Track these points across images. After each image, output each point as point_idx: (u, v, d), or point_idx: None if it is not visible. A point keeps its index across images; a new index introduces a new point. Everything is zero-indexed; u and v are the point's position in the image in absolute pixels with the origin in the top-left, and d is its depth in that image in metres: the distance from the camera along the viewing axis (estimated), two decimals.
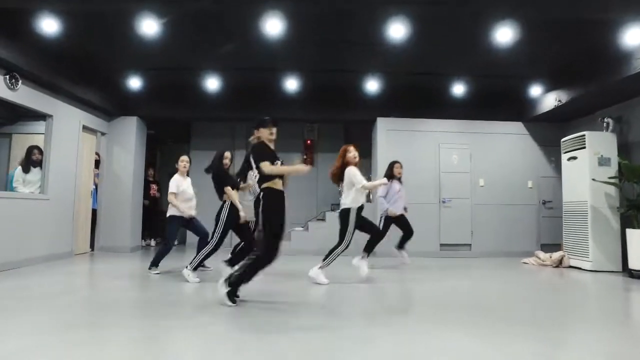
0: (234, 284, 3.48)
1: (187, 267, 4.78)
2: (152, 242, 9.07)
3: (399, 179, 6.25)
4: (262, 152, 3.58)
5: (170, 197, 5.12)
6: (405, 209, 6.22)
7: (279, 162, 3.59)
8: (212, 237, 4.79)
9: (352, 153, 4.96)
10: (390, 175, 6.16)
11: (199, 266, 4.84)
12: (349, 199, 4.81)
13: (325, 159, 8.86)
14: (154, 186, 9.07)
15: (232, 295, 3.50)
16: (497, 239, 7.88)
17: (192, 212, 5.26)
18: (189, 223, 5.29)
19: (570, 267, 6.39)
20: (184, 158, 5.38)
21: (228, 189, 4.79)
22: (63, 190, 6.49)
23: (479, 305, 3.82)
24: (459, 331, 2.92)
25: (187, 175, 5.41)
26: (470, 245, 7.89)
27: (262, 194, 3.55)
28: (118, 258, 6.83)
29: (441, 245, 7.82)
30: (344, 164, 4.93)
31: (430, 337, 2.80)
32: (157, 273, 5.23)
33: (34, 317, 3.10)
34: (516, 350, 2.55)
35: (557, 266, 6.47)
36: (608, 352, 2.57)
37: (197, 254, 4.85)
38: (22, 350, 2.40)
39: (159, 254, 5.28)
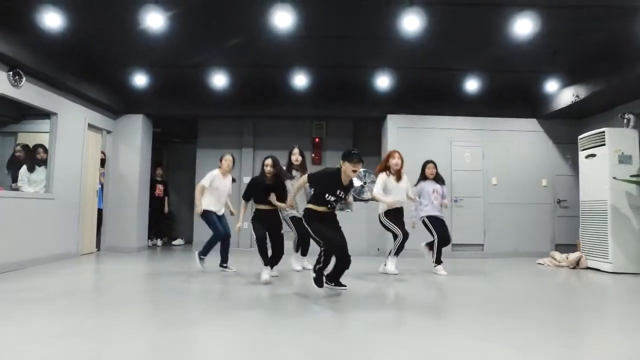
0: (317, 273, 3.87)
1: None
2: (159, 242, 8.97)
3: (434, 179, 5.79)
4: (318, 180, 3.94)
5: (198, 191, 5.12)
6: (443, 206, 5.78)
7: (341, 195, 3.88)
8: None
9: (395, 160, 5.26)
10: (423, 176, 5.82)
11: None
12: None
13: (333, 157, 8.68)
14: (159, 186, 8.96)
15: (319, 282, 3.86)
16: (510, 239, 7.68)
17: (220, 211, 5.28)
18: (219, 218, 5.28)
19: (588, 268, 6.18)
20: (229, 157, 5.31)
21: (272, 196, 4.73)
22: (68, 190, 6.39)
23: (494, 308, 3.64)
24: (472, 335, 2.75)
25: (229, 175, 5.40)
26: (482, 245, 7.70)
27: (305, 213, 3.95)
28: (124, 258, 6.72)
29: (453, 245, 7.61)
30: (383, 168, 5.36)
31: (445, 340, 2.63)
32: (202, 269, 5.27)
33: (35, 320, 2.98)
34: (536, 357, 2.37)
35: (574, 267, 6.26)
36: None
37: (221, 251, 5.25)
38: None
39: (208, 244, 5.27)
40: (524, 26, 4.78)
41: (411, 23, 4.74)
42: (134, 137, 7.82)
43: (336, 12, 4.95)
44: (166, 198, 9.05)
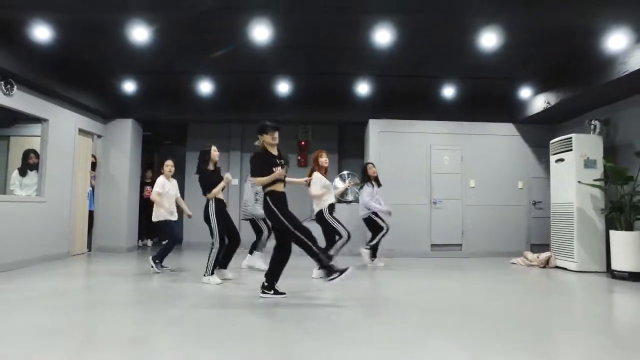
0: (268, 279, 4.08)
1: (204, 275, 4.85)
2: (149, 243, 9.20)
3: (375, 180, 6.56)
4: (255, 165, 4.08)
5: (154, 196, 5.50)
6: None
7: (281, 164, 4.04)
8: (213, 238, 4.86)
9: (323, 158, 5.55)
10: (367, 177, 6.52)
11: (214, 269, 4.88)
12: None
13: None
14: (148, 188, 9.18)
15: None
16: (487, 239, 7.97)
17: (173, 216, 5.63)
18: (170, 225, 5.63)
19: (557, 267, 6.49)
20: (169, 162, 5.73)
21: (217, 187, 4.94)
22: (59, 193, 6.61)
23: (465, 308, 3.92)
24: (443, 338, 2.98)
25: (173, 178, 5.82)
26: (461, 245, 7.99)
27: (266, 197, 4.04)
28: (114, 258, 6.96)
29: (432, 245, 7.92)
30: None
31: (414, 346, 2.76)
32: (158, 272, 5.45)
33: (25, 320, 3.23)
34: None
35: (544, 266, 6.58)
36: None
37: (159, 250, 5.56)
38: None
39: (164, 249, 5.59)
40: (490, 39, 5.08)
41: (389, 34, 5.00)
42: (123, 141, 8.04)
43: (315, 24, 5.18)
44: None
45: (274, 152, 4.13)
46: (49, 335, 2.86)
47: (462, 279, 5.62)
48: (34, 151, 6.33)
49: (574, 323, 3.50)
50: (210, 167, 5.03)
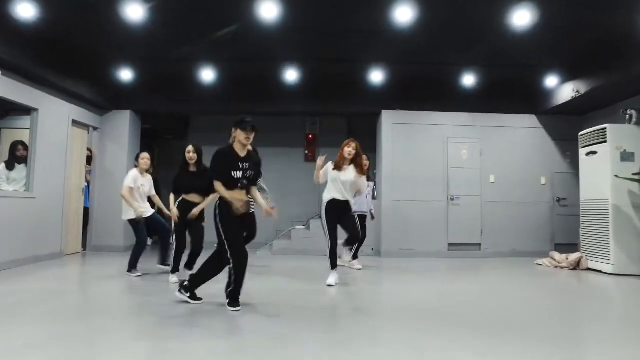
0: (192, 281, 3.60)
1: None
2: (149, 241, 8.74)
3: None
4: (213, 164, 3.43)
5: (124, 192, 4.88)
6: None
7: (244, 170, 3.42)
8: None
9: (348, 148, 4.76)
10: None
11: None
12: None
13: (327, 154, 8.45)
14: None
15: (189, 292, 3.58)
16: (508, 239, 7.48)
17: (145, 213, 5.05)
18: (149, 222, 5.08)
19: (589, 269, 5.98)
20: (145, 155, 5.13)
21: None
22: (51, 188, 6.16)
23: (492, 317, 3.44)
24: (467, 349, 2.55)
25: (148, 173, 5.21)
26: (480, 245, 7.49)
27: (217, 203, 3.46)
28: (110, 258, 6.51)
29: (449, 245, 7.44)
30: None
31: (435, 357, 2.41)
32: (139, 275, 4.97)
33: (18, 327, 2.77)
34: None
35: (574, 268, 6.06)
36: None
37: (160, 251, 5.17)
38: None
39: (133, 255, 5.04)
40: (522, 17, 4.58)
41: (406, 14, 4.53)
42: (121, 133, 7.59)
43: (327, 2, 4.72)
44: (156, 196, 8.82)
45: (242, 153, 3.47)
46: (22, 352, 2.40)
47: (485, 281, 5.13)
48: (23, 143, 5.87)
49: (622, 334, 3.00)
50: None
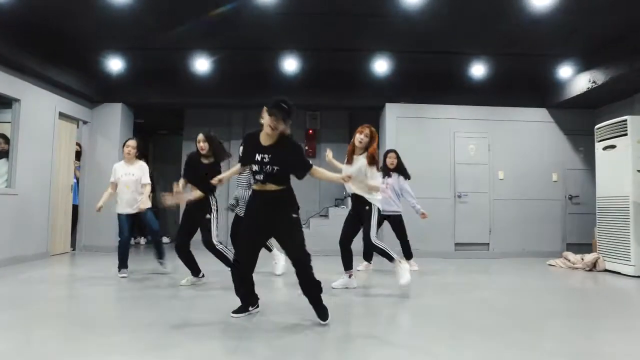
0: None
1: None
2: (142, 240, 8.43)
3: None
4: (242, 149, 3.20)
5: (110, 188, 4.72)
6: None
7: (265, 158, 2.87)
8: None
9: (360, 135, 4.06)
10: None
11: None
12: None
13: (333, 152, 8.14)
14: None
15: None
16: (518, 238, 7.13)
17: (125, 210, 4.71)
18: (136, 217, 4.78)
19: (606, 271, 5.62)
20: (130, 143, 4.77)
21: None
22: (36, 184, 5.82)
23: (505, 322, 3.09)
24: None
25: (140, 159, 4.86)
26: (488, 244, 7.15)
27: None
28: (100, 258, 6.17)
29: (456, 244, 7.09)
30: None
31: None
32: (125, 276, 4.65)
33: None
34: None
35: (590, 270, 5.71)
36: None
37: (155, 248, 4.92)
38: None
39: (119, 256, 4.73)
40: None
41: None
42: (112, 127, 7.24)
43: None
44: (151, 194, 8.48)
45: (266, 142, 2.95)
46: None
47: (495, 282, 4.78)
48: (4, 136, 5.53)
49: None
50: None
